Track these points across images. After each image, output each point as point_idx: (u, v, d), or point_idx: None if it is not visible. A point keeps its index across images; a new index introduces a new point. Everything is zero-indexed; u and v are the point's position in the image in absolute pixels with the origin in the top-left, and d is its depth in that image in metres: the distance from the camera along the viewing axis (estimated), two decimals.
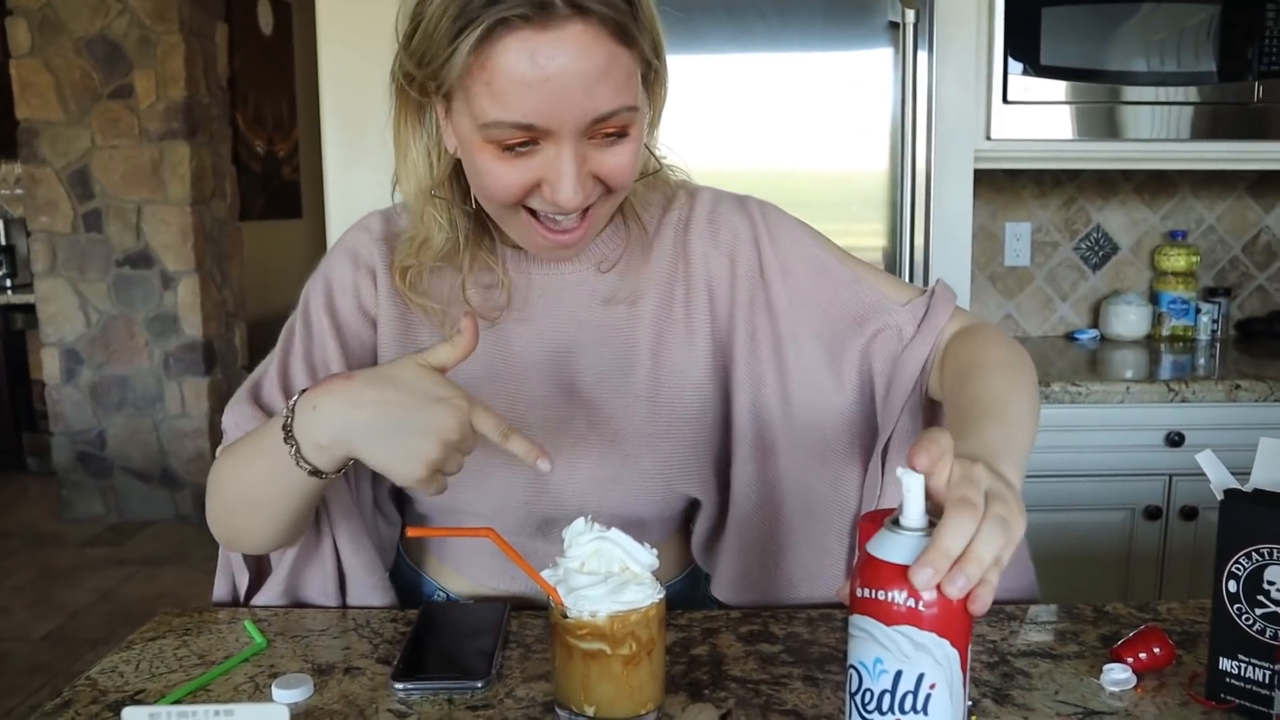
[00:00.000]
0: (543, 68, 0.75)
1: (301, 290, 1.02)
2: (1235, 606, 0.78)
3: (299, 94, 6.12)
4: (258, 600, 1.02)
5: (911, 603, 0.61)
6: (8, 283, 5.18)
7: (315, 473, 0.81)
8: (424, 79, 0.82)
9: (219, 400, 4.34)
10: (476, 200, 0.90)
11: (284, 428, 0.81)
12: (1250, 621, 0.77)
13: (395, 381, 0.78)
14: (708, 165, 1.96)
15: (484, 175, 0.83)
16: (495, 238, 0.97)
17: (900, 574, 0.61)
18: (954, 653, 0.62)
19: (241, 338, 4.59)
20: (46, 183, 4.14)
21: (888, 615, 0.62)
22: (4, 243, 5.25)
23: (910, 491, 0.63)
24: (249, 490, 0.88)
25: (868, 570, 0.63)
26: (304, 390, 0.82)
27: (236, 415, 0.96)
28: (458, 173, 0.90)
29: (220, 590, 1.03)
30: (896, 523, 0.63)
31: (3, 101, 4.32)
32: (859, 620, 0.63)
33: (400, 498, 1.06)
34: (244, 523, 0.91)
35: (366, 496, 1.02)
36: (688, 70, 1.91)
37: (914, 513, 0.63)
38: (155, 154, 4.09)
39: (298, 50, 6.07)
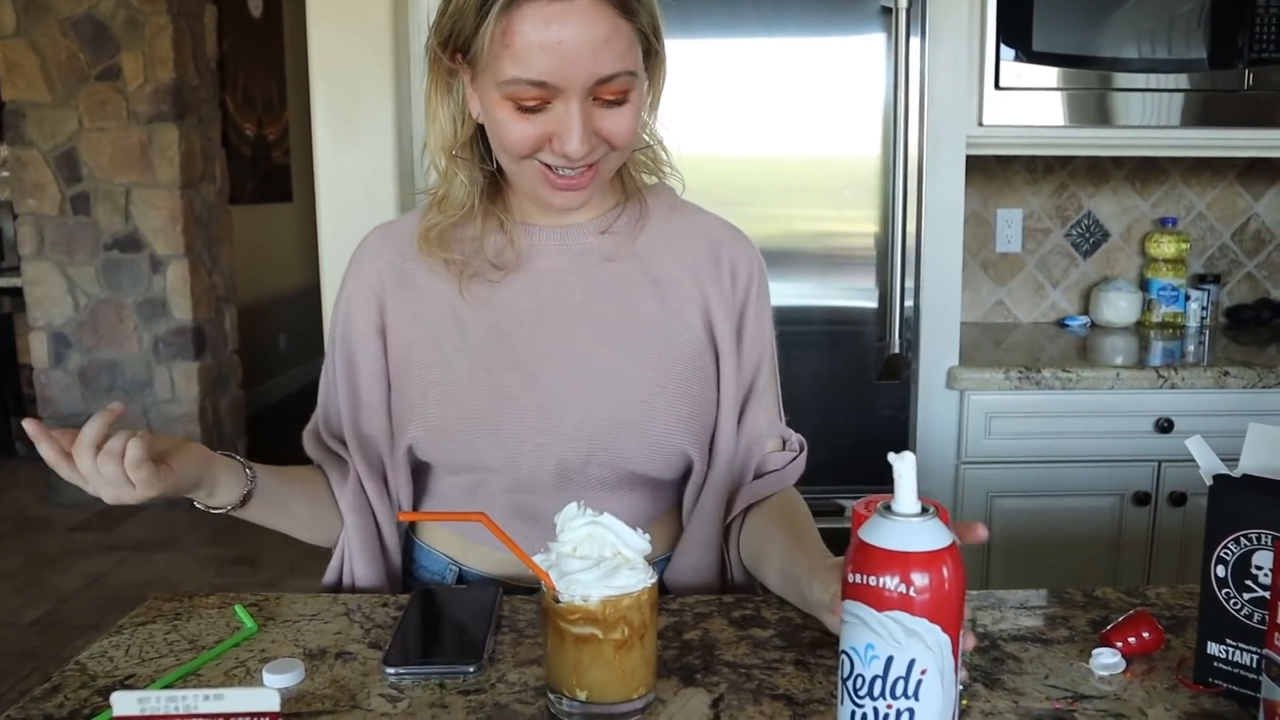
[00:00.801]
0: (555, 33, 0.87)
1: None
2: (1224, 591, 0.78)
3: (289, 77, 6.09)
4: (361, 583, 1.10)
5: (903, 588, 0.61)
6: None
7: (208, 508, 1.03)
8: (454, 49, 0.94)
9: (209, 385, 4.32)
10: (495, 161, 1.02)
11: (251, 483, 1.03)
12: (1238, 606, 0.78)
13: None
14: (702, 150, 1.97)
15: (502, 127, 0.93)
16: (508, 201, 1.06)
17: (892, 559, 0.61)
18: (945, 638, 0.62)
19: (232, 322, 4.57)
20: (33, 165, 4.11)
21: (879, 601, 0.62)
22: None
23: (902, 477, 0.63)
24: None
25: (860, 556, 0.63)
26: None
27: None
28: (477, 138, 1.02)
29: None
30: (889, 508, 0.63)
31: None
32: (851, 605, 0.64)
33: (416, 474, 1.10)
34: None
35: (367, 493, 1.09)
36: (682, 55, 1.90)
37: (906, 498, 0.63)
38: (144, 136, 4.06)
39: (287, 32, 6.04)
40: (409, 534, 1.14)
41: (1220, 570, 0.78)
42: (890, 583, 0.61)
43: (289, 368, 6.04)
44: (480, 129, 1.01)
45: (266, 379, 5.73)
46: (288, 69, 6.07)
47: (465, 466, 1.03)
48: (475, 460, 1.02)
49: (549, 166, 0.95)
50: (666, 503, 1.10)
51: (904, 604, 0.61)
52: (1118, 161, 2.63)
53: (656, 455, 1.03)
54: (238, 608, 0.95)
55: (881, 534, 0.62)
